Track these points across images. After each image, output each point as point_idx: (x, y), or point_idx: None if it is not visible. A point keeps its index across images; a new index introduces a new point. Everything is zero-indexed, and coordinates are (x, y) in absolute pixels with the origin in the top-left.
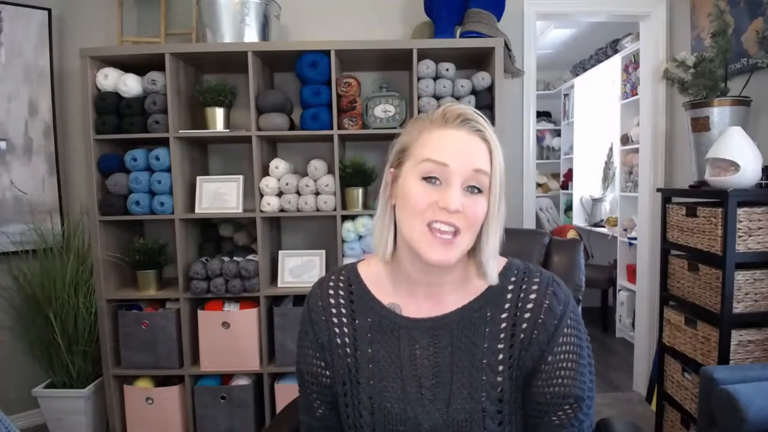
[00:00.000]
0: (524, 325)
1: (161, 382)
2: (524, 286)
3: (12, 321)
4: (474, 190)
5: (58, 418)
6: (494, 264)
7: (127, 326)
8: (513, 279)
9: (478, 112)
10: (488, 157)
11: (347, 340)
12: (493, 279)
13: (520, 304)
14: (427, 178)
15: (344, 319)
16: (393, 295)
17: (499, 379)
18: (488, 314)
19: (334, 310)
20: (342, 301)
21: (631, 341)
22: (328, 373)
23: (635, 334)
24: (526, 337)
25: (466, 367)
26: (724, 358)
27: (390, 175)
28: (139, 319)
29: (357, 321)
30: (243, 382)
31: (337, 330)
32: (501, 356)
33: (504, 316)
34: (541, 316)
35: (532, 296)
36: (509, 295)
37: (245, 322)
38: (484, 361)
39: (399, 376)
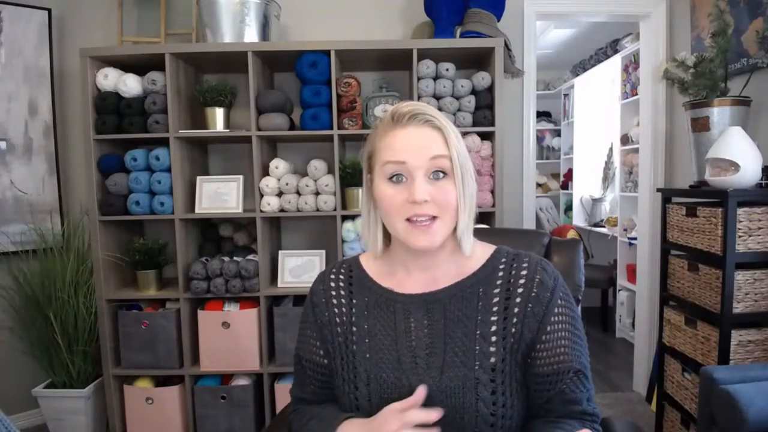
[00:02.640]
0: (518, 300)
1: (161, 382)
2: (515, 265)
3: (12, 321)
4: (439, 174)
5: (58, 418)
6: (468, 237)
7: (127, 326)
8: (503, 260)
9: (425, 104)
10: (444, 142)
11: (345, 318)
12: (467, 250)
13: (512, 281)
14: (392, 179)
15: (343, 300)
16: (390, 280)
17: (492, 349)
18: (480, 290)
19: (334, 293)
20: (342, 284)
21: (631, 341)
22: (322, 352)
23: (635, 334)
24: (520, 311)
25: (459, 338)
26: (724, 358)
27: (368, 180)
28: (139, 319)
29: (354, 300)
30: (243, 382)
31: (336, 310)
32: (494, 328)
33: (496, 291)
34: (534, 290)
35: (524, 272)
36: (500, 273)
37: (245, 322)
38: (478, 332)
39: (394, 348)
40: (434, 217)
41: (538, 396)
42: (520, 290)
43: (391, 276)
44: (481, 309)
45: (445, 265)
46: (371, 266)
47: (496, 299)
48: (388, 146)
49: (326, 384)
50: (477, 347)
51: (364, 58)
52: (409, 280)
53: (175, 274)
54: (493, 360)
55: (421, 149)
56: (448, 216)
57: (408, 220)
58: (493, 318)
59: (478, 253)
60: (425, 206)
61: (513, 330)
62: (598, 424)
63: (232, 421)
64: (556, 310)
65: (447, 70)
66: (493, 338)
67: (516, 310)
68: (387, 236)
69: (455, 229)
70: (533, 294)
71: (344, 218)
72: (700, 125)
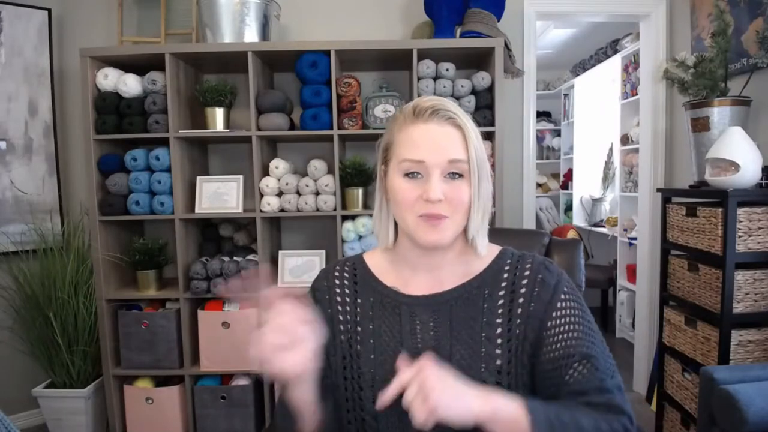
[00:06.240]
0: (521, 300)
1: (161, 382)
2: (519, 266)
3: (12, 321)
4: (455, 176)
5: (58, 418)
6: (482, 238)
7: (127, 326)
8: (508, 262)
9: (447, 100)
10: (463, 143)
11: (349, 317)
12: (482, 251)
13: (515, 282)
14: (409, 175)
15: (347, 299)
16: (395, 280)
17: (498, 351)
18: (486, 292)
19: (338, 290)
20: (346, 282)
21: (631, 341)
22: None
23: (635, 334)
24: (524, 312)
25: (465, 340)
26: (724, 358)
27: (382, 171)
28: (139, 319)
29: (359, 300)
30: (243, 382)
31: (339, 308)
32: (499, 330)
33: (501, 293)
34: (536, 290)
35: (527, 273)
36: (505, 275)
37: (245, 322)
38: (483, 335)
39: (399, 350)
40: (444, 216)
41: (548, 392)
42: (522, 291)
43: (396, 275)
44: (486, 311)
45: (451, 266)
46: (376, 265)
47: (500, 301)
48: (407, 141)
49: (322, 381)
50: (483, 349)
51: (364, 58)
52: (414, 281)
53: (175, 274)
54: (499, 362)
55: (440, 148)
56: (459, 215)
57: (419, 216)
58: (498, 320)
59: (485, 255)
60: (438, 205)
61: (517, 332)
62: (616, 414)
63: (232, 421)
64: (558, 305)
65: (447, 70)
66: (499, 340)
67: (519, 311)
68: (395, 232)
69: (465, 230)
70: (535, 293)
71: (344, 218)
72: (700, 125)
